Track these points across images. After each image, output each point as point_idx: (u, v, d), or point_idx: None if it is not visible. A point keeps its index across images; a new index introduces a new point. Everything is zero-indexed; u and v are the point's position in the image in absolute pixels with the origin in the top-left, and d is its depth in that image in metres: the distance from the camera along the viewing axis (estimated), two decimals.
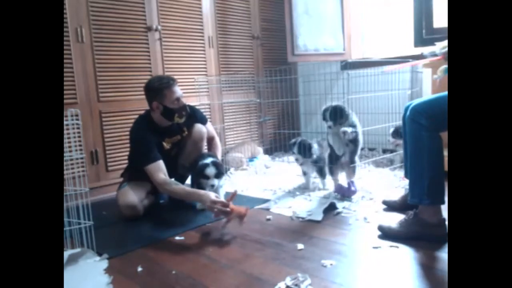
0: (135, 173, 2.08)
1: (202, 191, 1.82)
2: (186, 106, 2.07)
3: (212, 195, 1.74)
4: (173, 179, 1.96)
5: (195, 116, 2.23)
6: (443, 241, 1.45)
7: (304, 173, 2.37)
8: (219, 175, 1.98)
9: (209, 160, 2.00)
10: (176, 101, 2.01)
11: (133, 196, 1.98)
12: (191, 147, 2.20)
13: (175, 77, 2.87)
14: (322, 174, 2.32)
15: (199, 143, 2.21)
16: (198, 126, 2.22)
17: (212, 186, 1.95)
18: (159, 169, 1.91)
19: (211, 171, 1.95)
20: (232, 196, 1.74)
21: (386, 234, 1.54)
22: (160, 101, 1.99)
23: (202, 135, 2.22)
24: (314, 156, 2.27)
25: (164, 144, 2.09)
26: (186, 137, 2.21)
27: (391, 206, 1.89)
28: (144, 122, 2.05)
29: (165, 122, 2.07)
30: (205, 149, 2.32)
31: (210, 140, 2.37)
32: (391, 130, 2.68)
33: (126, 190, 2.02)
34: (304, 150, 2.25)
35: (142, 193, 2.04)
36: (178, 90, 2.03)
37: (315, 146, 2.29)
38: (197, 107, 2.84)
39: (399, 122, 2.50)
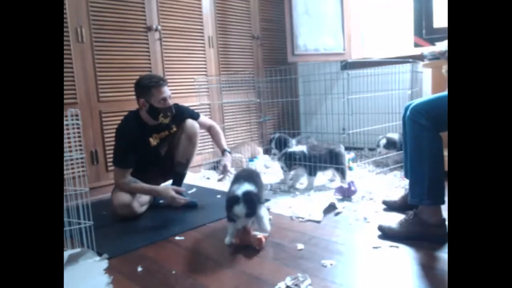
0: (140, 173, 2.09)
1: (160, 188, 1.98)
2: (172, 107, 2.06)
3: (171, 191, 1.92)
4: (131, 178, 1.98)
5: (183, 113, 2.24)
6: (443, 241, 1.45)
7: (283, 169, 2.43)
8: (249, 215, 1.52)
9: (242, 189, 1.54)
10: (162, 101, 2.02)
11: (127, 196, 1.99)
12: (186, 142, 2.18)
13: (175, 77, 2.89)
14: (309, 173, 2.34)
15: (193, 138, 2.20)
16: (190, 121, 2.22)
17: (242, 227, 1.54)
18: (125, 175, 1.98)
19: (240, 210, 1.49)
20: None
21: (386, 234, 1.54)
22: (146, 99, 2.00)
23: (195, 130, 2.21)
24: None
25: (151, 140, 2.10)
26: (178, 133, 2.21)
27: (391, 206, 1.89)
28: (133, 118, 2.07)
29: (152, 121, 2.07)
30: (203, 141, 2.33)
31: (210, 130, 2.38)
32: (383, 141, 2.61)
33: (117, 195, 2.02)
34: (281, 145, 2.40)
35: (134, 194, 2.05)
36: (166, 91, 2.04)
37: (293, 142, 2.36)
38: (196, 106, 2.85)
39: (390, 134, 2.49)
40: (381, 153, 2.65)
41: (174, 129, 2.21)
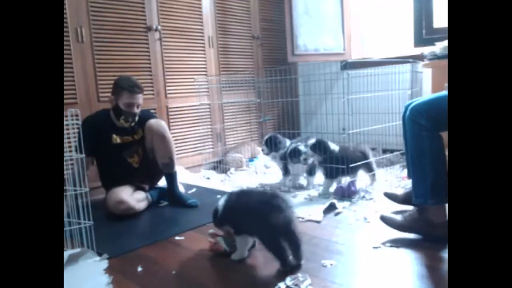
0: (112, 182, 2.11)
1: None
2: (135, 115, 2.11)
3: None
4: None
5: (148, 118, 2.22)
6: (445, 241, 1.45)
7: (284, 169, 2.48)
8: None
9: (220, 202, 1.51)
10: (127, 106, 2.06)
11: (121, 193, 2.00)
12: (160, 142, 2.15)
13: (175, 77, 2.90)
14: (309, 173, 2.38)
15: (164, 134, 2.15)
16: (153, 121, 2.18)
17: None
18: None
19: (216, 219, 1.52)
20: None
21: (388, 224, 1.54)
22: (115, 98, 2.09)
23: (162, 126, 2.17)
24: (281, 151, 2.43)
25: (114, 136, 2.13)
26: (147, 138, 2.18)
27: (392, 199, 1.87)
28: (102, 113, 2.16)
29: (117, 122, 2.13)
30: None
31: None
32: (308, 148, 2.21)
33: (111, 191, 2.04)
34: (271, 144, 2.43)
35: (128, 191, 2.06)
36: (138, 98, 2.09)
37: (287, 143, 2.45)
38: (196, 106, 2.85)
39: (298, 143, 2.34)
40: (302, 161, 2.33)
41: (138, 136, 2.20)
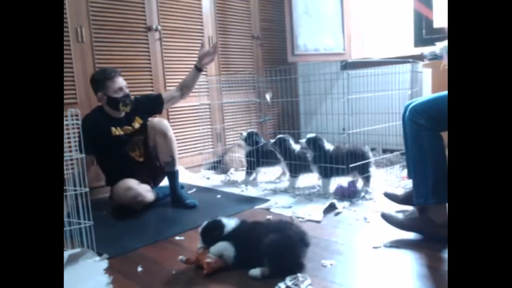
0: (118, 179, 2.10)
1: None
2: (129, 95, 2.14)
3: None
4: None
5: (145, 104, 2.25)
6: (446, 240, 1.44)
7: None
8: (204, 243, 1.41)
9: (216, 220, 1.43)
10: (119, 90, 2.09)
11: (129, 181, 2.01)
12: (162, 140, 2.16)
13: (175, 77, 2.89)
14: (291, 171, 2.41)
15: (166, 133, 2.16)
16: (156, 120, 2.23)
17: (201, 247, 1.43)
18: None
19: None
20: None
21: (389, 221, 1.54)
22: (104, 92, 2.08)
23: (164, 124, 2.19)
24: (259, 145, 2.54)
25: (113, 129, 2.12)
26: (150, 136, 2.19)
27: (392, 199, 1.86)
28: (97, 110, 2.16)
29: (114, 113, 2.14)
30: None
31: (181, 90, 2.44)
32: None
33: (119, 182, 2.05)
34: (251, 140, 2.56)
35: (134, 181, 2.07)
36: (121, 81, 2.12)
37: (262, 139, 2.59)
38: (196, 106, 2.84)
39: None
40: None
41: (137, 124, 2.20)
